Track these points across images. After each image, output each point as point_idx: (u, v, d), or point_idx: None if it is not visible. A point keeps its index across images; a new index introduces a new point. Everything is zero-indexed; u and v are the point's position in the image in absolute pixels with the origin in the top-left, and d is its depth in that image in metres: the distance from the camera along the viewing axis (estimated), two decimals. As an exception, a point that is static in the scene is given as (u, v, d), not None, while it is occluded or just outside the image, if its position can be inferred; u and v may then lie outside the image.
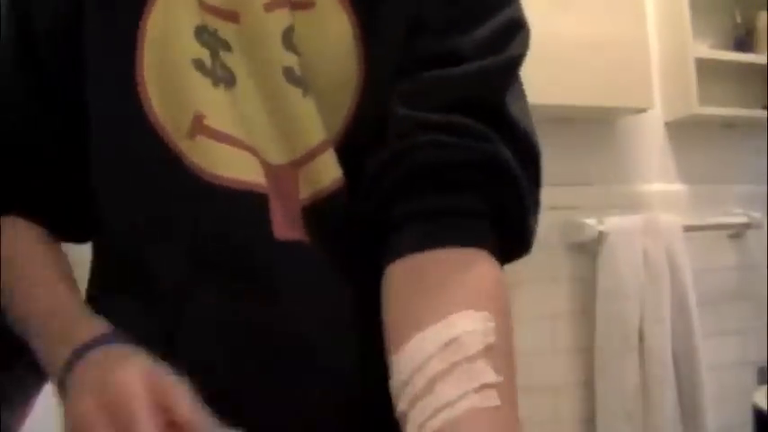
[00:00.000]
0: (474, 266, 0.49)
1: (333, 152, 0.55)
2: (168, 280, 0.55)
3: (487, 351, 0.44)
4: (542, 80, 1.86)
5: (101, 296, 0.61)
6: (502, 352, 0.45)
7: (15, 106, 0.60)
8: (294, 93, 0.55)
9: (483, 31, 0.54)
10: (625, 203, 2.05)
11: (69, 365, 0.50)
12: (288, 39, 0.55)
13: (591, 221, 1.94)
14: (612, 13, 1.91)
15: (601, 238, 1.93)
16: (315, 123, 0.55)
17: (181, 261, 0.54)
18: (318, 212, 0.55)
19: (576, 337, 1.99)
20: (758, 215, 2.15)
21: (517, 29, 0.57)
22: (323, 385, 0.53)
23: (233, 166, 0.54)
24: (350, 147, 0.56)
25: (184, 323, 0.54)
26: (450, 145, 0.50)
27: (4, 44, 0.61)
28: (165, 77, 0.55)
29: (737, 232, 2.18)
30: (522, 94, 0.58)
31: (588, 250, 1.98)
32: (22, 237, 0.61)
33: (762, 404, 1.71)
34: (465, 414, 0.42)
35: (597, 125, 2.06)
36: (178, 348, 0.53)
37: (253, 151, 0.55)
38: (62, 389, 0.51)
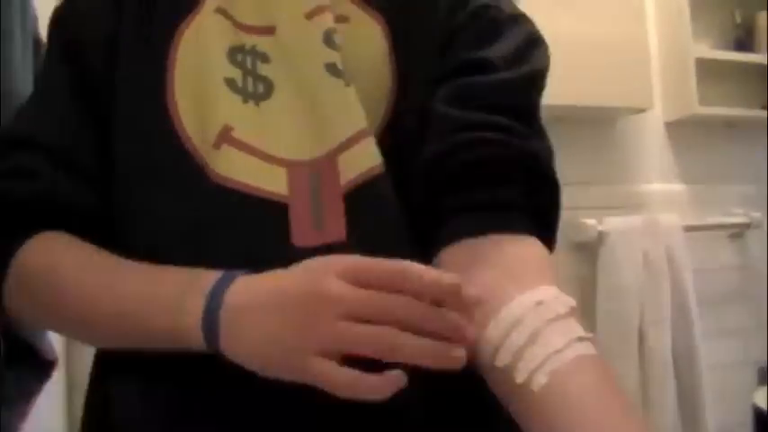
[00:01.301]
0: (533, 248, 0.55)
1: (373, 139, 0.57)
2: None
3: (573, 313, 0.49)
4: (542, 80, 1.87)
5: None
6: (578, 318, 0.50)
7: (70, 133, 0.62)
8: (336, 83, 0.58)
9: (507, 45, 0.61)
10: (625, 203, 2.05)
11: (219, 295, 0.49)
12: (329, 38, 0.59)
13: (591, 221, 1.94)
14: (612, 13, 1.91)
15: (601, 238, 1.93)
16: (357, 109, 0.58)
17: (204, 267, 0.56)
18: (358, 198, 0.57)
19: (576, 337, 1.98)
20: (758, 215, 2.15)
21: (537, 43, 0.63)
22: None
23: (254, 175, 0.57)
24: (386, 144, 0.59)
25: None
26: (494, 142, 0.56)
27: (50, 73, 0.65)
28: (197, 94, 0.59)
29: (737, 232, 2.18)
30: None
31: (588, 250, 1.98)
32: (65, 244, 0.60)
33: (762, 404, 1.71)
34: (574, 359, 0.46)
35: (597, 125, 2.06)
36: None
37: (278, 162, 0.57)
38: (213, 333, 0.49)
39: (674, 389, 1.91)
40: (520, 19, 0.64)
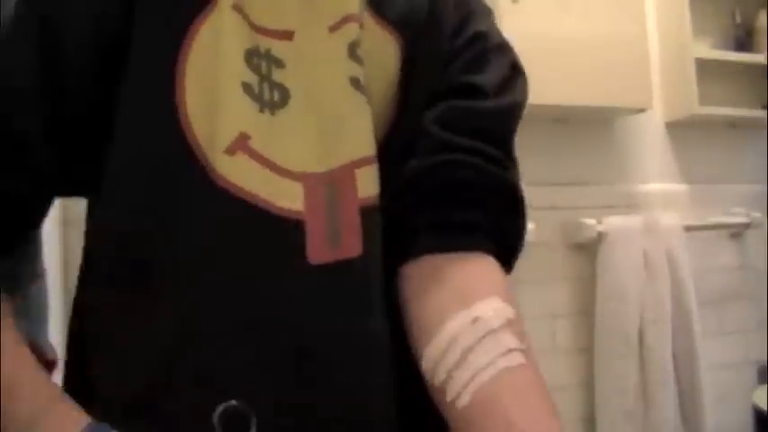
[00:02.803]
0: (485, 266, 0.57)
1: (377, 166, 0.59)
2: (180, 294, 0.54)
3: (508, 325, 0.51)
4: (542, 80, 1.86)
5: (101, 297, 0.58)
6: (520, 327, 0.52)
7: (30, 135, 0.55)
8: (360, 98, 0.59)
9: (495, 73, 0.64)
10: (625, 203, 2.06)
11: None
12: (353, 51, 0.59)
13: (591, 221, 1.94)
14: (612, 13, 1.91)
15: (601, 238, 1.94)
16: (372, 133, 0.59)
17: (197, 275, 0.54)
18: (369, 215, 0.57)
19: (576, 337, 1.99)
20: (758, 215, 2.15)
21: (519, 74, 0.66)
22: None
23: (267, 188, 0.55)
24: (381, 159, 0.60)
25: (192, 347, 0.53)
26: (475, 166, 0.58)
27: (20, 65, 0.54)
28: (210, 95, 0.55)
29: (737, 232, 2.19)
30: None
31: (588, 250, 1.98)
32: None
33: (762, 404, 1.71)
34: (497, 374, 0.49)
35: (597, 125, 2.06)
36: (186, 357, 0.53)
37: (293, 176, 0.56)
38: None
39: (673, 389, 1.91)
40: (505, 48, 0.67)
